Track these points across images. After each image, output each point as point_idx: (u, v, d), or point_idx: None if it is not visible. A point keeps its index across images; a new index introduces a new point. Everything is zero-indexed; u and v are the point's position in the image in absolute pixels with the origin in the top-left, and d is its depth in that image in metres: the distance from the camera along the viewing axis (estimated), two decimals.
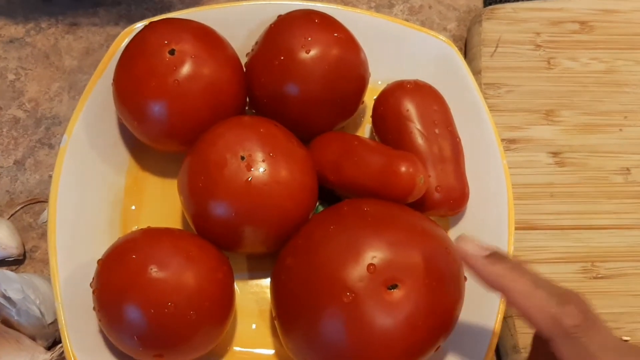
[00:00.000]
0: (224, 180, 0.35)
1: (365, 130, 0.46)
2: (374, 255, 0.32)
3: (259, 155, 0.36)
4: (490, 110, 0.43)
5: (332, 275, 0.32)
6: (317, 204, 0.41)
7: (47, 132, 0.47)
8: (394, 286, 0.32)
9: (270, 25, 0.42)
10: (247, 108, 0.43)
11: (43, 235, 0.44)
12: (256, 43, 0.42)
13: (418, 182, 0.37)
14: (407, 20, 0.52)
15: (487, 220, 0.41)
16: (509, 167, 0.41)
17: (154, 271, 0.33)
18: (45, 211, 0.44)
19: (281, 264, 0.35)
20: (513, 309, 0.30)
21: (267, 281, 0.41)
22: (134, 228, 0.41)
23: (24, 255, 0.43)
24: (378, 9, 0.53)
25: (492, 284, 0.30)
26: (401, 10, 0.53)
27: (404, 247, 0.33)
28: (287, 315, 0.34)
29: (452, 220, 0.42)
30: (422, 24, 0.52)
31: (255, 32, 0.44)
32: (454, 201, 0.40)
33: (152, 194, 0.43)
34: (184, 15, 0.43)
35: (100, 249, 0.37)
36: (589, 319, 0.28)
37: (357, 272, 0.32)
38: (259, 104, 0.42)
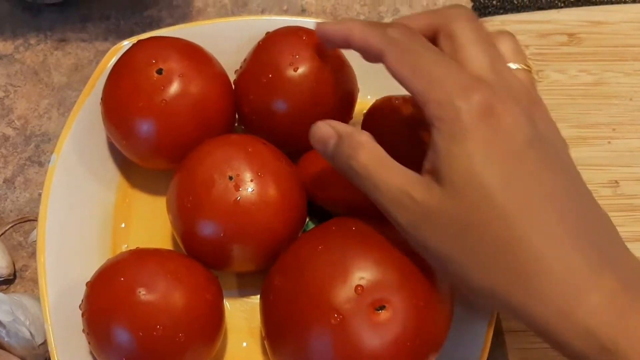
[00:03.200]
0: (212, 200, 0.35)
1: None
2: (361, 276, 0.32)
3: (247, 175, 0.36)
4: None
5: (319, 297, 0.32)
6: (307, 219, 0.41)
7: (37, 149, 0.47)
8: (382, 307, 0.32)
9: (259, 42, 0.42)
10: (236, 124, 0.43)
11: (33, 254, 0.44)
12: (245, 60, 0.42)
13: None
14: None
15: None
16: None
17: (142, 294, 0.33)
18: (35, 230, 0.44)
19: (269, 284, 0.35)
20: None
21: (257, 298, 0.40)
22: (124, 246, 0.42)
23: (14, 274, 0.43)
24: None
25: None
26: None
27: (392, 268, 0.33)
28: (275, 335, 0.34)
29: None
30: None
31: (244, 48, 0.44)
32: None
33: (142, 211, 0.43)
34: (172, 33, 0.43)
35: (90, 268, 0.37)
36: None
37: (344, 293, 0.32)
38: (247, 120, 0.42)
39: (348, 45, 0.34)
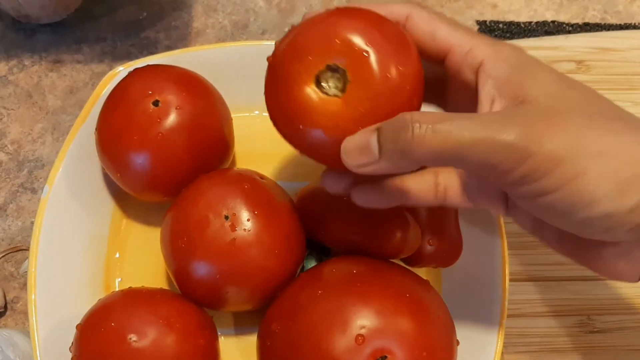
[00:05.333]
0: (206, 240, 0.34)
1: None
2: (362, 325, 0.31)
3: (243, 215, 0.35)
4: None
5: (318, 345, 0.31)
6: (306, 254, 0.40)
7: (30, 175, 0.46)
8: (384, 358, 0.30)
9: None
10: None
11: (25, 286, 0.42)
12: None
13: (410, 239, 0.36)
14: None
15: (481, 271, 0.39)
16: (504, 216, 0.40)
17: (133, 340, 0.32)
18: (27, 260, 0.43)
19: (267, 329, 0.34)
20: None
21: (253, 336, 0.39)
22: (117, 280, 0.40)
23: (5, 306, 0.42)
24: None
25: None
26: None
27: (393, 316, 0.32)
28: None
29: (444, 273, 0.41)
30: None
31: (244, 73, 0.43)
32: (447, 254, 0.39)
33: (136, 242, 0.42)
34: (170, 58, 0.42)
35: (82, 303, 0.36)
36: None
37: (344, 343, 0.31)
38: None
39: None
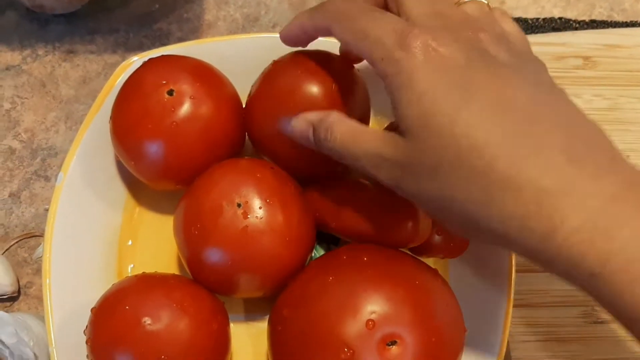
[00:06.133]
0: (219, 228, 0.35)
1: None
2: (372, 310, 0.32)
3: (255, 202, 0.35)
4: None
5: (330, 330, 0.32)
6: (316, 244, 0.40)
7: (43, 163, 0.46)
8: (393, 342, 0.31)
9: (271, 63, 0.41)
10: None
11: (38, 271, 0.43)
12: (256, 82, 0.41)
13: (420, 228, 0.36)
14: None
15: (488, 262, 0.40)
16: None
17: (147, 324, 0.33)
18: (41, 246, 0.43)
19: (278, 314, 0.35)
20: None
21: (264, 322, 0.40)
22: (130, 266, 0.41)
23: (19, 291, 0.42)
24: None
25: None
26: None
27: (403, 302, 0.32)
28: None
29: (451, 263, 0.41)
30: None
31: (255, 65, 0.43)
32: (455, 245, 0.39)
33: (149, 230, 0.42)
34: (183, 49, 0.42)
35: (95, 288, 0.36)
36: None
37: (355, 328, 0.31)
38: (257, 143, 0.41)
39: (308, 37, 0.36)
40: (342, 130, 0.32)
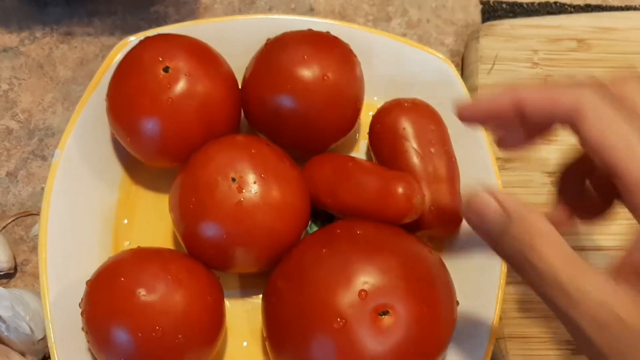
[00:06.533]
0: (214, 202, 0.35)
1: (360, 146, 0.46)
2: (365, 280, 0.32)
3: (250, 177, 0.35)
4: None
5: (323, 301, 0.32)
6: (310, 222, 0.41)
7: (40, 143, 0.46)
8: (385, 312, 0.31)
9: (267, 42, 0.41)
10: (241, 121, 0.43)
11: (34, 249, 0.43)
12: (252, 60, 0.42)
13: (415, 203, 0.37)
14: (404, 34, 0.52)
15: (482, 241, 0.40)
16: (504, 187, 0.41)
17: (142, 295, 0.33)
18: (37, 225, 0.44)
19: (272, 286, 0.35)
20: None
21: (258, 299, 0.40)
22: (126, 243, 0.41)
23: (15, 268, 0.43)
24: (376, 22, 0.52)
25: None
26: (399, 24, 0.52)
27: (396, 273, 0.33)
28: (277, 337, 0.34)
29: (446, 241, 0.41)
30: (420, 38, 0.52)
31: (251, 47, 0.43)
32: (449, 221, 0.40)
33: (145, 208, 0.43)
34: (179, 30, 0.42)
35: (91, 265, 0.36)
36: None
37: (348, 298, 0.32)
38: (254, 121, 0.42)
39: (515, 113, 0.28)
40: (555, 249, 0.25)
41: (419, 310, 0.32)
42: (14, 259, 0.43)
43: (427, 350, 0.33)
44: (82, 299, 0.35)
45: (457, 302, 0.35)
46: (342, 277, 0.32)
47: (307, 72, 0.39)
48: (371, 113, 0.43)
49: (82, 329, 0.35)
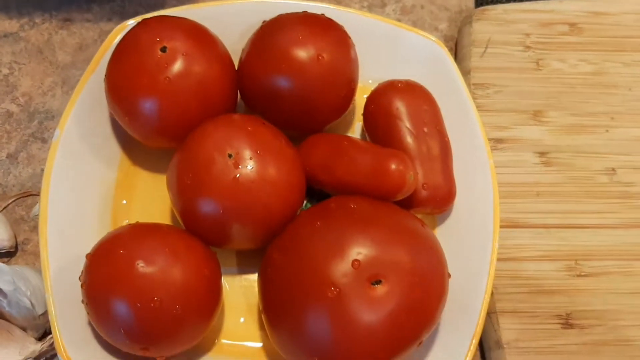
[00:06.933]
0: (211, 177, 0.36)
1: (355, 128, 0.47)
2: (359, 251, 0.33)
3: (246, 153, 0.36)
4: (478, 110, 0.43)
5: (317, 270, 0.33)
6: (306, 201, 0.41)
7: (40, 126, 0.47)
8: (378, 282, 0.32)
9: (263, 23, 0.42)
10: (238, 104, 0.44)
11: (35, 229, 0.44)
12: (249, 41, 0.42)
13: (408, 179, 0.37)
14: (398, 20, 0.53)
15: (474, 218, 0.41)
16: (496, 167, 0.42)
17: (141, 266, 0.34)
18: (37, 205, 0.44)
19: (268, 259, 0.36)
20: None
21: (255, 276, 0.41)
22: (125, 222, 0.42)
23: (16, 247, 0.43)
24: (370, 8, 0.53)
25: None
26: (393, 10, 0.53)
27: (388, 244, 0.33)
28: (273, 309, 0.35)
29: (439, 219, 0.42)
30: (414, 24, 0.53)
31: (248, 30, 0.44)
32: (441, 199, 0.40)
33: (143, 188, 0.43)
34: (177, 13, 0.43)
35: (90, 242, 0.37)
36: None
37: (341, 267, 0.32)
38: (250, 102, 0.42)
39: None
40: None
41: (410, 280, 0.33)
42: (15, 238, 0.43)
43: (419, 319, 0.33)
44: (82, 272, 0.35)
45: (449, 274, 0.36)
46: (336, 248, 0.33)
47: (302, 52, 0.40)
48: (366, 96, 0.44)
49: (82, 301, 0.35)
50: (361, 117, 0.44)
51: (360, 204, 0.36)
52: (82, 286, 0.35)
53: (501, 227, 0.41)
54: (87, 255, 0.36)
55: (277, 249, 0.35)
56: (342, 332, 0.32)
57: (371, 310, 0.32)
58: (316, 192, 0.42)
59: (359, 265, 0.32)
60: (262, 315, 0.36)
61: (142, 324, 0.34)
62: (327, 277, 0.32)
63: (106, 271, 0.34)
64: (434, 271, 0.34)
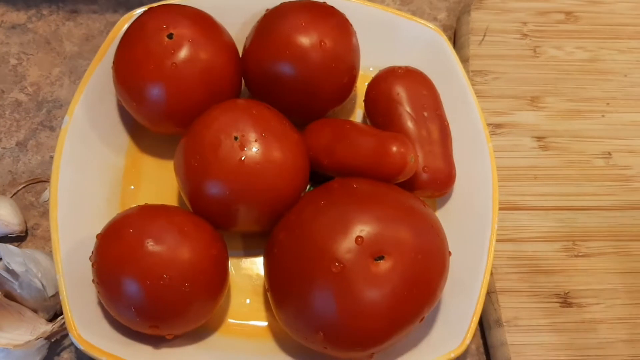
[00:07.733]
0: (218, 160, 0.37)
1: (357, 115, 0.48)
2: (362, 228, 0.34)
3: (251, 136, 0.37)
4: (477, 96, 0.44)
5: (321, 247, 0.34)
6: (309, 186, 0.42)
7: (49, 115, 0.48)
8: (381, 257, 0.33)
9: (266, 11, 0.43)
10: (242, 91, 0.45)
11: (44, 214, 0.45)
12: (253, 28, 0.43)
13: (409, 161, 0.38)
14: (398, 10, 0.53)
15: (473, 201, 0.42)
16: (495, 151, 0.43)
17: (150, 245, 0.34)
18: (47, 190, 0.45)
19: (274, 239, 0.37)
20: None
21: (261, 259, 0.42)
22: (133, 206, 0.43)
23: (26, 232, 0.44)
24: None
25: None
26: (393, 0, 0.54)
27: (391, 222, 0.34)
28: (278, 287, 0.36)
29: (439, 201, 0.43)
30: (413, 14, 0.54)
31: (252, 19, 0.45)
32: (441, 182, 0.41)
33: (150, 174, 0.44)
34: (182, 2, 0.44)
35: (99, 225, 0.38)
36: None
37: (345, 243, 0.33)
38: (254, 88, 0.43)
39: None
40: None
41: (413, 256, 0.34)
42: (25, 223, 0.44)
43: (421, 295, 0.34)
44: (92, 252, 0.36)
45: (450, 252, 0.37)
46: (339, 225, 0.34)
47: (305, 39, 0.41)
48: (367, 84, 0.45)
49: (93, 281, 0.36)
50: (362, 105, 0.45)
51: (362, 184, 0.37)
52: (92, 265, 0.36)
53: (500, 209, 0.42)
54: (97, 235, 0.37)
55: (282, 228, 0.36)
56: (346, 307, 0.33)
57: (374, 285, 0.33)
58: (319, 177, 0.43)
59: (362, 242, 0.33)
60: (268, 294, 0.37)
61: (152, 301, 0.35)
62: (331, 253, 0.33)
63: (116, 250, 0.35)
64: (436, 248, 0.35)
